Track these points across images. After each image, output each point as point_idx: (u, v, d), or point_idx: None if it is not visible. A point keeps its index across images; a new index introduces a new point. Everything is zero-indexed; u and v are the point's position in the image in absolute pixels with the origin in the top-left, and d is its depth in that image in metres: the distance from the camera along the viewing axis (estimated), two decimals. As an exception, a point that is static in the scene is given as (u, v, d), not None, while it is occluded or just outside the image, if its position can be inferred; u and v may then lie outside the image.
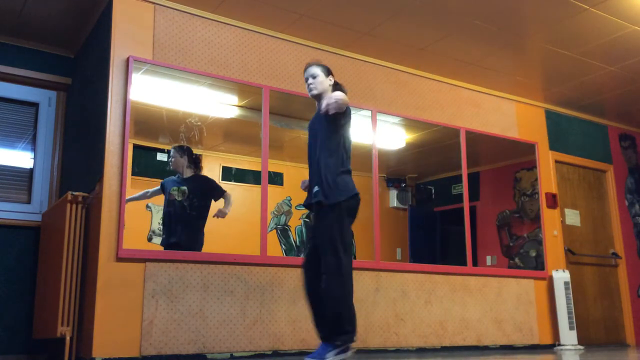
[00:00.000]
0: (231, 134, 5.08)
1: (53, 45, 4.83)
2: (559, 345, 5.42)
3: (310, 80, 3.35)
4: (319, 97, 3.33)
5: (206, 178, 4.78)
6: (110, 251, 3.62)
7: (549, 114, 6.20)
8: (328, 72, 3.40)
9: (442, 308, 4.90)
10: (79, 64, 4.79)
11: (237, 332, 3.95)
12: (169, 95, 4.36)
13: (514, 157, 6.08)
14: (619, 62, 5.24)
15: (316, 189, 3.20)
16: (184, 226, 4.43)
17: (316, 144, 3.29)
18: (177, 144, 4.49)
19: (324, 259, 3.11)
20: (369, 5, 4.27)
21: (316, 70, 3.36)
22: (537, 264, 5.72)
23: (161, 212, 4.59)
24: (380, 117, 4.95)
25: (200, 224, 4.44)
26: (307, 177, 3.40)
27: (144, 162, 4.54)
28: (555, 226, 5.90)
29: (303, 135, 5.22)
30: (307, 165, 3.38)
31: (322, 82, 3.35)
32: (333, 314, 3.06)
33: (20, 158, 4.72)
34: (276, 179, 4.90)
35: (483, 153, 6.03)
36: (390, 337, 4.56)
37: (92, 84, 4.30)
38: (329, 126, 3.23)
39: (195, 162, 4.58)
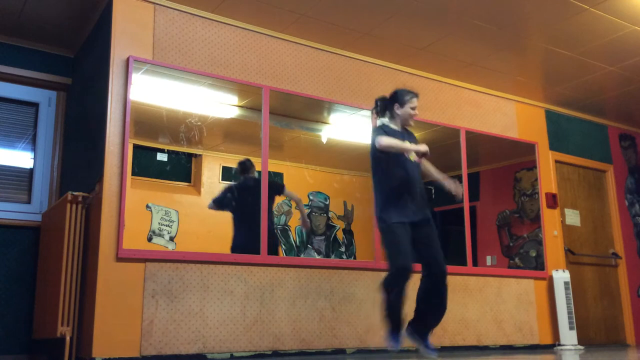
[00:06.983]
0: (231, 134, 5.08)
1: (53, 45, 4.83)
2: (559, 345, 5.42)
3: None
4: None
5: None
6: (110, 251, 3.63)
7: (549, 114, 6.20)
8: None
9: (442, 308, 4.89)
10: (79, 64, 4.79)
11: (237, 332, 3.95)
12: (169, 95, 4.36)
13: (514, 157, 6.08)
14: (619, 62, 5.24)
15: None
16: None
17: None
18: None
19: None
20: (369, 5, 4.27)
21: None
22: (537, 264, 5.72)
23: (161, 212, 4.57)
24: (380, 117, 4.95)
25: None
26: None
27: (144, 162, 4.53)
28: (555, 226, 5.89)
29: (303, 135, 5.23)
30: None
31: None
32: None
33: (20, 158, 4.72)
34: (276, 179, 4.90)
35: (483, 153, 6.03)
36: (390, 337, 4.55)
37: (92, 84, 4.30)
38: None
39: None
